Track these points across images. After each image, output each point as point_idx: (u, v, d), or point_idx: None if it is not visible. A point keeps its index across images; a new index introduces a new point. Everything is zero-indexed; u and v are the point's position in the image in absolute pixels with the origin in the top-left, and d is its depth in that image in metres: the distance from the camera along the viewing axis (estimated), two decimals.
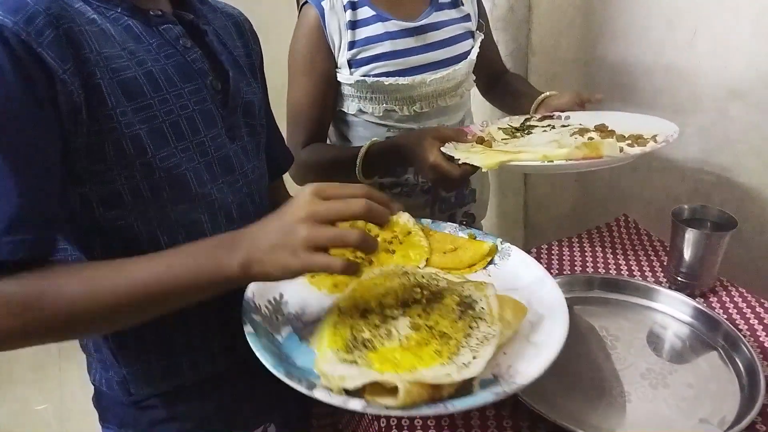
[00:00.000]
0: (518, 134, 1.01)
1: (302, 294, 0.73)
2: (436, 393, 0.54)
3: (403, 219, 0.85)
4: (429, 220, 0.88)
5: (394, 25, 1.04)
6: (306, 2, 1.05)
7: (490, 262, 0.81)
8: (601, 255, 1.11)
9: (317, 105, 1.07)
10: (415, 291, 0.67)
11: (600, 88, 1.47)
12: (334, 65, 1.05)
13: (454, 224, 0.88)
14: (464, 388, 0.56)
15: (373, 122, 1.09)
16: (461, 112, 1.17)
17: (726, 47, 1.18)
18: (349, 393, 0.55)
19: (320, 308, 0.70)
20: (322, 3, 1.02)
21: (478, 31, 1.15)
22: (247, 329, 0.63)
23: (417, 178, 1.13)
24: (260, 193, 0.82)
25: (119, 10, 0.66)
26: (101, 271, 0.59)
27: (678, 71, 1.29)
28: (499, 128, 1.05)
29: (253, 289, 0.70)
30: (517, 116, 1.10)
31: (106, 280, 0.58)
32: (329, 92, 1.07)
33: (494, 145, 0.96)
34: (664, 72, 1.32)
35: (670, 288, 0.96)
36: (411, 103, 1.07)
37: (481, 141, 0.98)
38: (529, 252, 1.12)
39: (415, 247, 0.81)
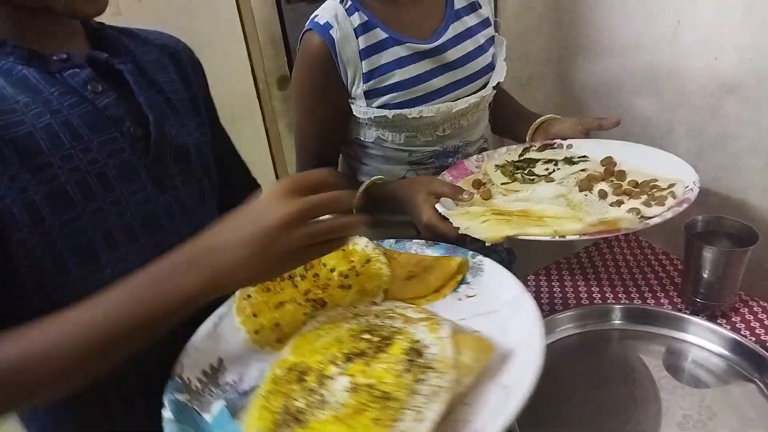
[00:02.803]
0: (518, 174, 0.91)
1: (243, 357, 0.63)
2: None
3: (361, 244, 0.73)
4: (392, 240, 0.76)
5: (408, 48, 0.92)
6: (309, 29, 0.91)
7: (462, 281, 0.68)
8: (605, 276, 1.00)
9: (326, 137, 0.99)
10: (363, 338, 0.57)
11: (578, 88, 1.39)
12: (347, 96, 0.94)
13: (421, 241, 0.75)
14: None
15: (393, 148, 0.98)
16: (482, 124, 1.05)
17: (714, 39, 1.10)
18: None
19: (260, 372, 0.60)
20: (331, 32, 0.89)
21: (498, 35, 1.02)
22: (166, 415, 0.53)
23: None
24: None
25: (12, 60, 0.57)
26: (43, 330, 0.50)
27: (662, 67, 1.20)
28: (497, 166, 0.94)
29: (183, 363, 0.60)
30: (515, 146, 1.00)
31: (55, 338, 0.50)
32: (340, 123, 0.98)
33: (493, 192, 0.87)
34: (647, 68, 1.24)
35: (686, 311, 0.87)
36: (434, 128, 0.96)
37: (478, 185, 0.88)
38: (525, 280, 1.01)
39: (374, 277, 0.70)
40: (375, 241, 0.75)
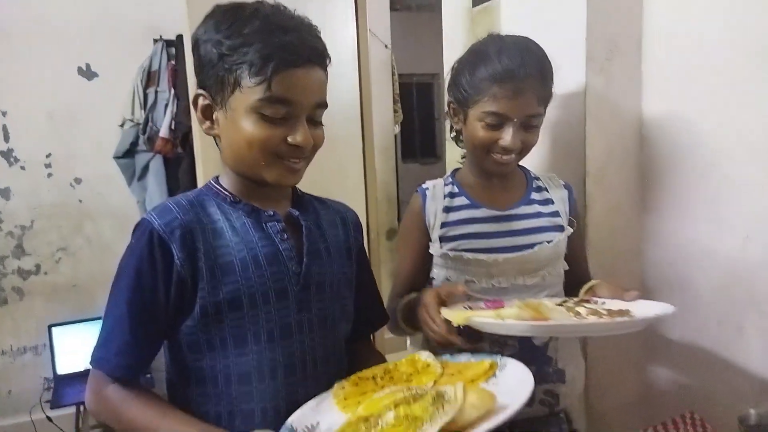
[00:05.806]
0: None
1: (335, 419, 0.85)
2: None
3: (424, 356, 0.98)
4: (449, 355, 0.99)
5: (483, 212, 1.20)
6: (416, 192, 1.27)
7: (493, 376, 0.90)
8: None
9: (413, 271, 1.26)
10: (408, 394, 0.82)
11: (651, 278, 1.52)
12: (429, 240, 1.22)
13: (473, 354, 0.97)
14: None
15: None
16: (543, 292, 1.21)
17: None
18: None
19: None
20: (426, 191, 1.25)
21: (568, 227, 1.24)
22: None
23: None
24: (315, 359, 0.95)
25: (240, 212, 0.92)
26: (149, 413, 0.85)
27: (732, 273, 1.31)
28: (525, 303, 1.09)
29: (293, 417, 0.84)
30: (558, 298, 1.15)
31: (148, 421, 0.84)
32: (424, 262, 1.25)
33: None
34: (720, 271, 1.34)
35: None
36: (489, 276, 1.18)
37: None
38: None
39: (429, 374, 0.94)
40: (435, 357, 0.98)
